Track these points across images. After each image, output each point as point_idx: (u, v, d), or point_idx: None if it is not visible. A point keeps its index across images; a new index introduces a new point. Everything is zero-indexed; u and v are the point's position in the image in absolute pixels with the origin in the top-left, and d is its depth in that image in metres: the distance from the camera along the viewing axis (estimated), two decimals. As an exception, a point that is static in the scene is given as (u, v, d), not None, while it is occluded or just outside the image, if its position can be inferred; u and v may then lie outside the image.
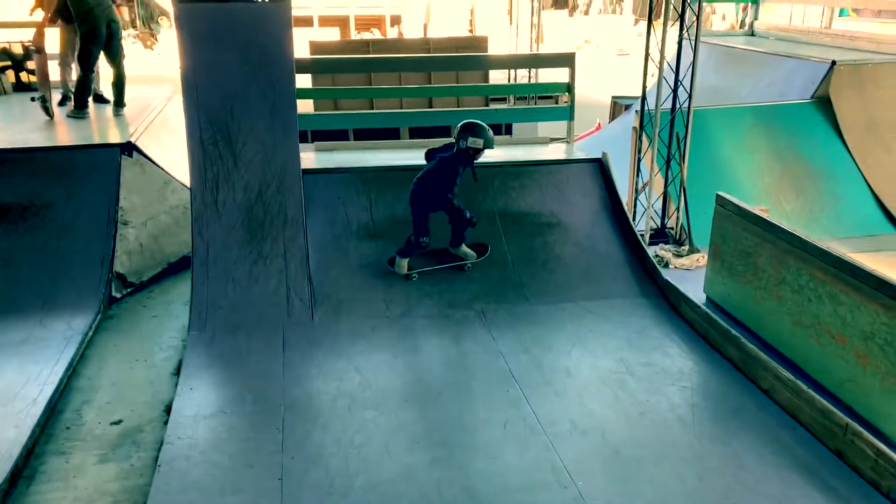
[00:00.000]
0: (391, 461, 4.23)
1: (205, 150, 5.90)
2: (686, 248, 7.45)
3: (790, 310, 5.11)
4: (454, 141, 6.05)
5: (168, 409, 4.72)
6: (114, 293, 6.25)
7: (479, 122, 6.06)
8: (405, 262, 6.20)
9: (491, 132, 6.07)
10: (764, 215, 5.47)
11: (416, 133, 9.66)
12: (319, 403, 4.77)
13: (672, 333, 5.74)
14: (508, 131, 11.20)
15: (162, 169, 7.16)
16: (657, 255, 7.25)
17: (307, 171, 6.41)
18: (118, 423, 4.66)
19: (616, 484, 4.06)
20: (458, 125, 6.06)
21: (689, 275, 6.88)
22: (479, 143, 5.98)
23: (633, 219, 7.57)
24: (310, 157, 7.29)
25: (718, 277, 5.99)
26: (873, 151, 8.65)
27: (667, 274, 6.46)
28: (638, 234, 6.95)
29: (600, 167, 7.25)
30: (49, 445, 4.42)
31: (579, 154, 7.68)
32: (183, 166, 6.34)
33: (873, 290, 4.36)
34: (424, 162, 6.31)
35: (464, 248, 6.38)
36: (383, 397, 4.84)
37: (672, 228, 7.88)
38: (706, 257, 6.48)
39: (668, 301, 6.19)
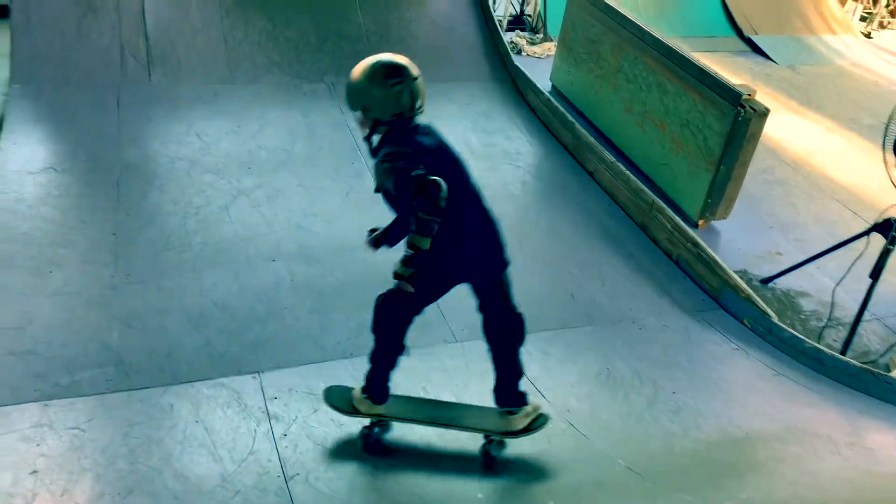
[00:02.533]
0: (231, 222, 4.30)
1: None
2: (541, 35, 7.53)
3: (623, 98, 5.41)
4: None
5: (-16, 155, 4.46)
6: (-83, 39, 5.58)
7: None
8: None
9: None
10: (612, 3, 5.58)
11: None
12: (157, 165, 4.68)
13: (515, 117, 5.96)
14: None
15: None
16: (512, 42, 7.29)
17: (142, -86, 5.74)
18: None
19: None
20: None
21: (540, 63, 7.02)
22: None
23: (493, 3, 7.48)
24: None
25: (564, 66, 6.16)
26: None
27: (519, 61, 6.56)
28: (496, 19, 6.91)
29: (464, -55, 6.98)
30: None
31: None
32: None
33: (695, 80, 4.69)
34: None
35: None
36: (224, 163, 4.81)
37: (530, 16, 7.88)
38: (557, 47, 6.60)
39: (517, 87, 6.35)
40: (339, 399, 2.98)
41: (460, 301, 3.78)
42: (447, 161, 2.70)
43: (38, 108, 5.00)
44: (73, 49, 5.36)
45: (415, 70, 2.68)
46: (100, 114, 5.02)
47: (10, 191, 4.21)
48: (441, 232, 2.53)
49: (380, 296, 2.85)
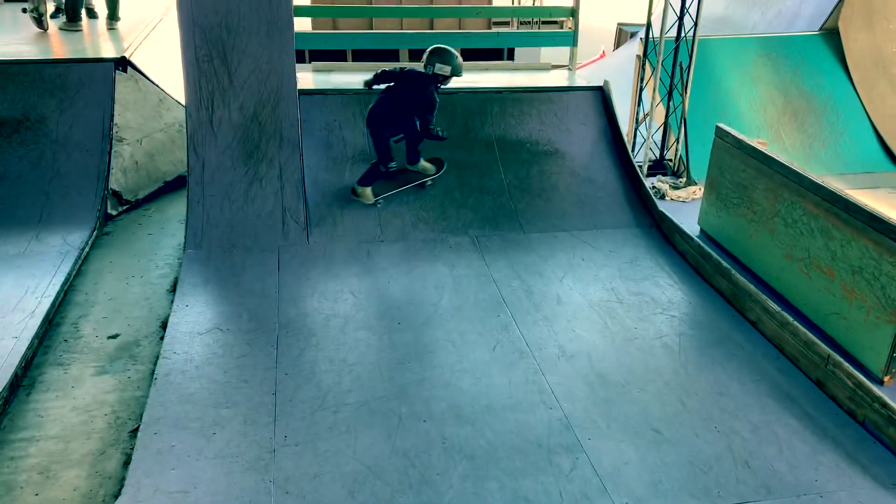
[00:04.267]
0: (382, 379, 4.33)
1: (199, 66, 5.80)
2: (683, 180, 7.42)
3: (782, 243, 5.14)
4: (422, 66, 5.98)
5: (164, 325, 4.80)
6: (109, 210, 6.26)
7: (448, 47, 5.94)
8: (368, 191, 6.13)
9: (460, 59, 5.95)
10: (762, 148, 5.44)
11: (416, 55, 9.46)
12: (313, 323, 4.85)
13: (664, 264, 5.79)
14: (511, 56, 11.00)
15: (157, 85, 7.07)
16: (654, 187, 7.22)
17: (304, 92, 6.32)
18: (115, 336, 4.75)
19: (600, 407, 4.17)
20: (427, 50, 5.94)
21: (685, 207, 6.87)
22: (447, 69, 5.88)
23: (633, 149, 7.52)
24: (307, 78, 7.20)
25: (713, 210, 5.99)
26: (879, 87, 8.51)
27: (662, 206, 6.48)
28: (636, 164, 6.92)
29: (601, 95, 7.17)
30: (47, 356, 4.52)
31: (581, 82, 7.57)
32: (178, 84, 6.25)
33: (864, 225, 4.38)
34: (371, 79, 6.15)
35: (422, 163, 6.36)
36: (376, 318, 4.92)
37: (671, 160, 7.83)
38: (703, 190, 6.47)
39: (662, 232, 6.23)
40: None
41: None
42: None
43: (207, 272, 5.39)
44: (240, 215, 5.82)
45: None
46: (262, 275, 5.33)
47: (181, 351, 4.47)
48: None
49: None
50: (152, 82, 7.02)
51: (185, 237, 5.68)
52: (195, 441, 3.75)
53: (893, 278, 4.17)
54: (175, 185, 6.83)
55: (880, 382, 4.25)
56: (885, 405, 3.93)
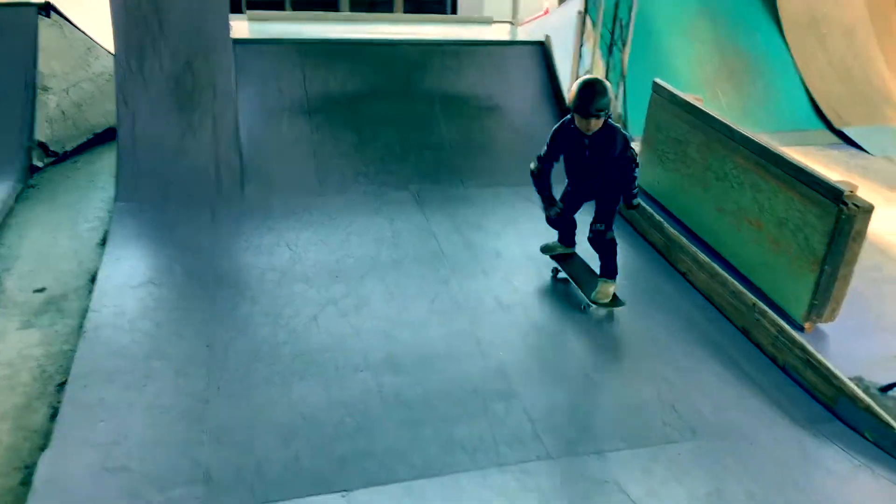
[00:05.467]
0: (319, 332, 4.30)
1: (128, 13, 5.55)
2: (622, 136, 7.51)
3: (714, 197, 5.26)
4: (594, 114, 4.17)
5: (94, 279, 4.66)
6: (35, 162, 6.02)
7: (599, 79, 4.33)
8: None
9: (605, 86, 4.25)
10: (697, 104, 5.53)
11: (357, 4, 9.31)
12: (249, 276, 4.78)
13: (601, 218, 5.86)
14: (454, 9, 10.87)
15: (84, 33, 6.76)
16: (593, 143, 7.29)
17: (239, 41, 6.15)
18: (41, 290, 4.60)
19: (534, 355, 4.25)
20: (580, 88, 4.20)
21: (623, 163, 6.96)
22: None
23: (573, 106, 7.56)
24: (242, 27, 6.99)
25: (649, 165, 6.08)
26: (810, 46, 8.72)
27: (601, 161, 6.53)
28: (576, 121, 6.95)
29: (542, 51, 7.16)
30: (-32, 311, 4.35)
31: (523, 37, 7.55)
32: (107, 31, 6.00)
33: (790, 178, 4.52)
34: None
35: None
36: (314, 272, 4.88)
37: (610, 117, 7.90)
38: (640, 146, 6.56)
39: (600, 187, 6.29)
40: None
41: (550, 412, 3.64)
42: None
43: (138, 225, 5.24)
44: (172, 167, 5.66)
45: None
46: (196, 229, 5.22)
47: (112, 305, 4.35)
48: None
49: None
50: (79, 29, 6.72)
51: (116, 190, 5.50)
52: (126, 394, 3.68)
53: (816, 229, 4.33)
54: (105, 138, 6.59)
55: (801, 329, 4.43)
56: (804, 350, 4.10)
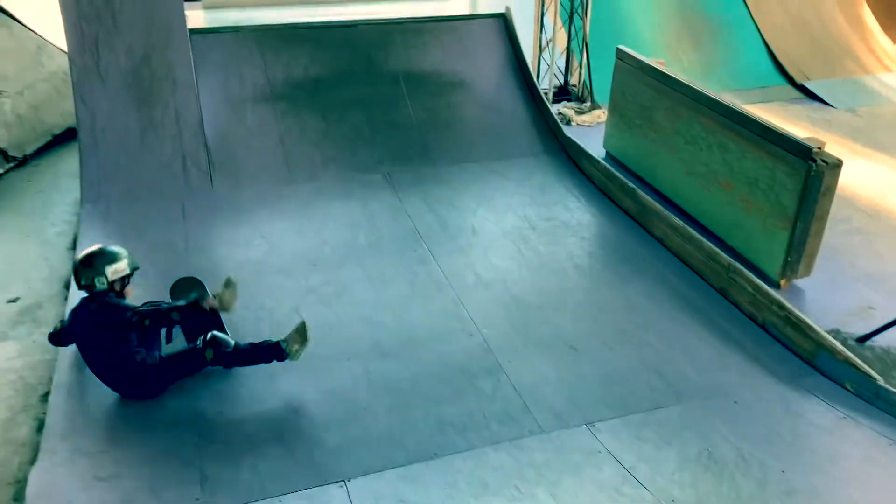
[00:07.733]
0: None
1: (79, 8, 5.40)
2: (588, 104, 7.54)
3: (683, 160, 5.31)
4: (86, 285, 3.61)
5: (67, 285, 4.58)
6: (-6, 168, 5.88)
7: (93, 250, 3.70)
8: None
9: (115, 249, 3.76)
10: (661, 68, 5.55)
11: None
12: (225, 270, 4.67)
13: (572, 188, 5.90)
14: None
15: (33, 31, 6.57)
16: (560, 113, 7.31)
17: (195, 31, 6.02)
18: (15, 300, 4.51)
19: (518, 329, 4.27)
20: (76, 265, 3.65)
21: (591, 131, 7.00)
22: (122, 266, 3.70)
23: (537, 76, 7.55)
24: (198, 16, 6.84)
25: (617, 132, 6.12)
26: (768, 3, 8.78)
27: (569, 131, 6.55)
28: (542, 91, 6.95)
29: (504, 23, 7.11)
30: (-60, 326, 4.26)
31: (483, 9, 7.49)
32: (58, 28, 5.83)
33: (758, 137, 4.57)
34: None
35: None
36: (291, 261, 4.84)
37: (575, 86, 7.92)
38: (607, 113, 6.58)
39: (570, 157, 6.31)
40: None
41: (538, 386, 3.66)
42: None
43: (107, 226, 5.14)
44: (137, 164, 5.55)
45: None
46: (166, 225, 5.14)
47: (87, 310, 4.27)
48: None
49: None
50: (28, 28, 6.52)
51: (82, 191, 5.38)
52: (111, 399, 3.63)
53: (786, 187, 4.39)
54: (65, 138, 6.44)
55: (777, 286, 4.52)
56: (782, 307, 4.18)
